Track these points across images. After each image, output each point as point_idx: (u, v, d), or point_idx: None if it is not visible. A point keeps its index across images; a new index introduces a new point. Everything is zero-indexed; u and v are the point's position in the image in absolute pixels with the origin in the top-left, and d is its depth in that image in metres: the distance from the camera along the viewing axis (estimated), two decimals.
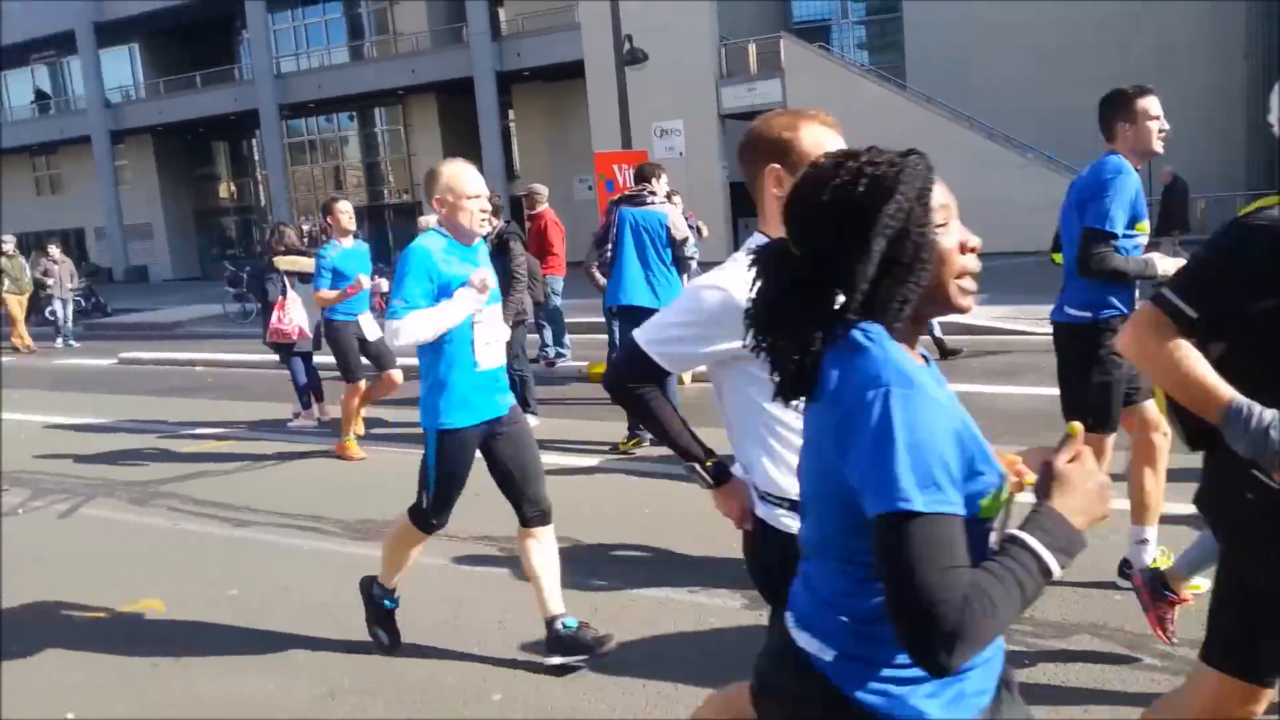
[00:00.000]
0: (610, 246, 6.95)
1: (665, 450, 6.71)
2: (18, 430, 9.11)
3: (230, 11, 36.25)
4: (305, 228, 17.00)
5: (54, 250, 17.86)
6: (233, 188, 42.43)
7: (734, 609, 4.10)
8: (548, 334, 10.79)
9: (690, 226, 9.29)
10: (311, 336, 8.55)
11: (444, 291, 3.54)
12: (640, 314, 7.02)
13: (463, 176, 3.58)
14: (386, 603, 3.89)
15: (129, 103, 38.98)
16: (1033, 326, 11.25)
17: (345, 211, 7.36)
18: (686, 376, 9.33)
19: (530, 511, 3.71)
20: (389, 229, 37.59)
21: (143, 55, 38.89)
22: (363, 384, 7.50)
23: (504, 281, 7.71)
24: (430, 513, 3.69)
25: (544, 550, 3.70)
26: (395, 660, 3.84)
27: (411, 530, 3.76)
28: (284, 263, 8.46)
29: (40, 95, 42.60)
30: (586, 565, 4.72)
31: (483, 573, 4.76)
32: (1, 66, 41.79)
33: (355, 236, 7.49)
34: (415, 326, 3.48)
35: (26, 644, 4.18)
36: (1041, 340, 10.77)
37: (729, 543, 4.86)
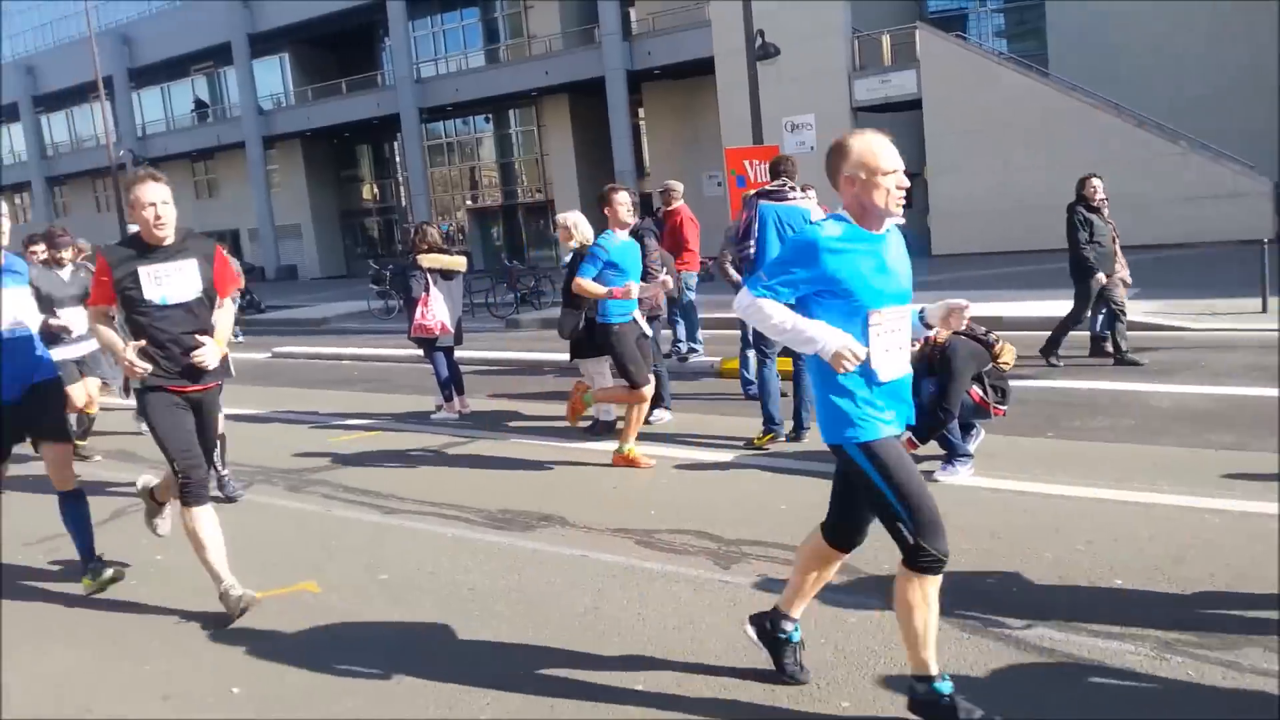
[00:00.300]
0: (752, 242, 6.81)
1: (801, 445, 6.66)
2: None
3: (373, 20, 37.70)
4: (445, 227, 17.48)
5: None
6: (375, 189, 44.06)
7: (875, 609, 4.03)
8: (680, 329, 10.83)
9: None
10: (453, 331, 8.81)
11: (825, 284, 3.05)
12: None
13: (879, 149, 3.06)
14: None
15: (279, 109, 40.96)
16: (1188, 322, 10.68)
17: (624, 203, 6.78)
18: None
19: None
20: (522, 228, 38.40)
21: (292, 64, 40.79)
22: (647, 390, 6.74)
23: (640, 276, 7.79)
24: (924, 539, 2.98)
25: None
26: (539, 647, 3.92)
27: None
28: (427, 260, 8.73)
29: (199, 104, 45.17)
30: (724, 561, 4.73)
31: (621, 564, 4.81)
32: (166, 79, 44.54)
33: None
34: (766, 323, 3.12)
35: (193, 622, 4.45)
36: (1196, 337, 10.25)
37: (867, 540, 4.79)
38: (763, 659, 3.54)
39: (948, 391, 5.60)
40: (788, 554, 4.73)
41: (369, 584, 4.83)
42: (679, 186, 10.48)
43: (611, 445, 7.24)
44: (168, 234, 4.31)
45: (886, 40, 25.49)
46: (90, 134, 47.19)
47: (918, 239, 27.43)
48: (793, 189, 6.94)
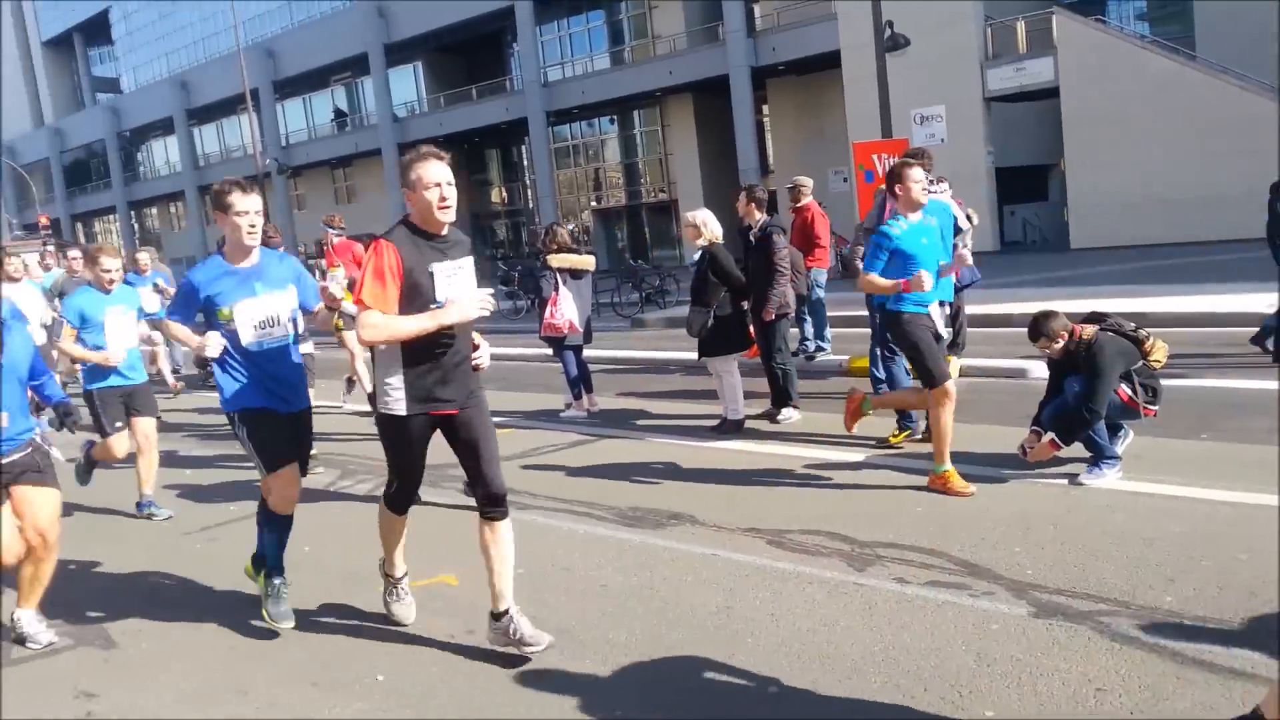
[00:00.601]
0: None
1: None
2: (327, 417, 10.06)
3: (502, 26, 38.55)
4: (570, 228, 17.72)
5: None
6: (503, 192, 45.05)
7: (1018, 615, 3.90)
8: (808, 327, 10.70)
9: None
10: (582, 330, 8.92)
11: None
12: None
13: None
14: None
15: (413, 116, 42.29)
16: None
17: (918, 181, 5.76)
18: (954, 370, 8.96)
19: None
20: (645, 228, 38.62)
21: (425, 72, 42.07)
22: (951, 386, 5.76)
23: (767, 274, 7.74)
24: None
25: None
26: (673, 643, 3.94)
27: None
28: (557, 260, 8.86)
29: (338, 113, 47.04)
30: (858, 564, 4.65)
31: (752, 564, 4.78)
32: (307, 90, 46.54)
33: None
34: None
35: (339, 614, 4.62)
36: None
37: (1008, 544, 4.66)
38: (902, 667, 3.46)
39: (1094, 390, 5.37)
40: (925, 557, 4.63)
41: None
42: (808, 182, 10.36)
43: (740, 445, 7.22)
44: (451, 218, 3.79)
45: (1021, 26, 24.64)
46: (238, 144, 49.72)
47: (1054, 232, 26.48)
48: (932, 182, 6.79)
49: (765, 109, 34.14)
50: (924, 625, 3.89)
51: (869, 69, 16.73)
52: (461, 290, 3.76)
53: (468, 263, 3.87)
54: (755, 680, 3.57)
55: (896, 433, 6.85)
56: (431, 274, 3.70)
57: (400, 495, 4.10)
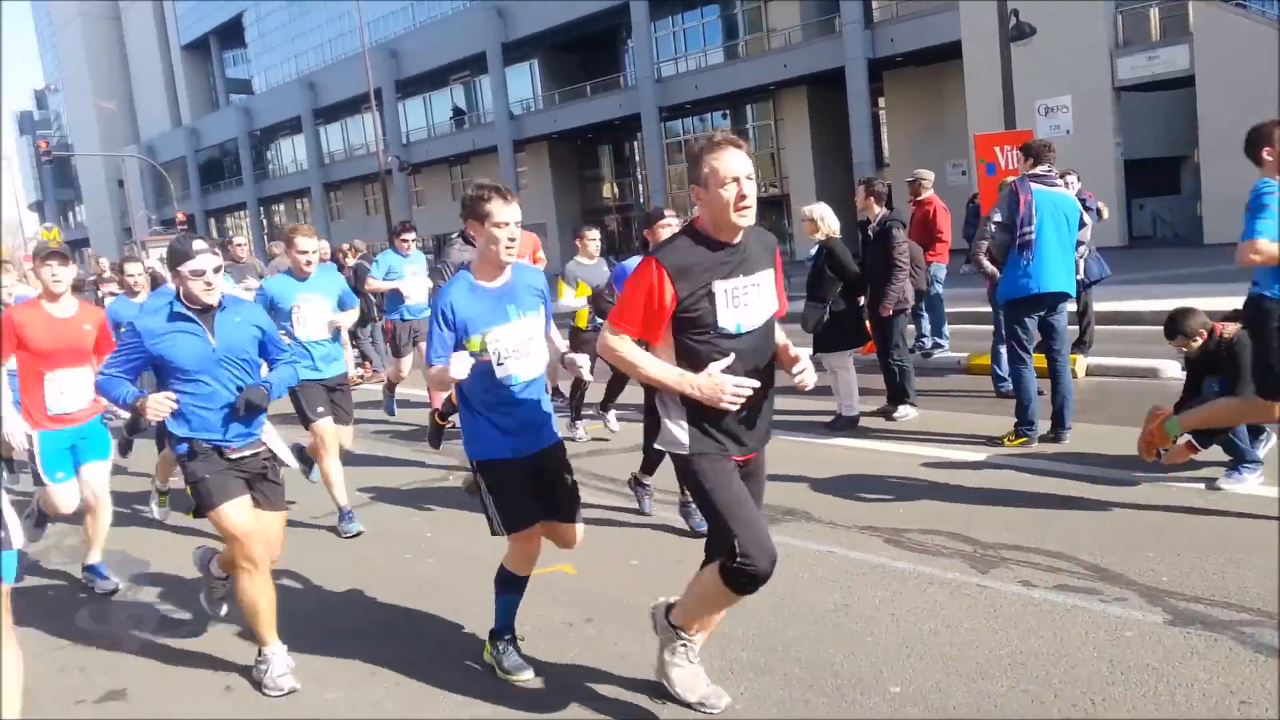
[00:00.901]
0: (1031, 228, 6.39)
1: (1060, 446, 6.28)
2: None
3: (617, 23, 38.79)
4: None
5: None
6: (615, 188, 45.37)
7: (1153, 623, 3.75)
8: (925, 323, 10.47)
9: (1089, 208, 8.62)
10: None
11: None
12: (1060, 299, 6.57)
13: None
14: None
15: (528, 114, 42.95)
16: None
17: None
18: (1080, 369, 8.67)
19: None
20: (756, 223, 38.29)
21: (541, 70, 42.67)
22: None
23: (885, 269, 7.61)
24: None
25: None
26: (790, 640, 3.92)
27: None
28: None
29: (457, 112, 48.09)
30: (981, 565, 4.54)
31: (870, 562, 4.72)
32: (428, 89, 47.73)
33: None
34: None
35: (457, 602, 4.74)
36: None
37: (1140, 549, 4.47)
38: (1030, 672, 3.37)
39: (1234, 391, 5.11)
40: (1051, 560, 4.50)
41: (620, 568, 4.99)
42: (929, 175, 10.13)
43: (854, 442, 7.12)
44: (750, 221, 3.09)
45: (1155, 13, 23.57)
46: (361, 142, 51.33)
47: (1187, 227, 25.26)
48: (1059, 175, 6.58)
49: (881, 101, 33.52)
50: (1052, 630, 3.78)
51: (991, 59, 16.23)
52: (753, 313, 3.13)
53: (765, 277, 3.18)
54: (876, 680, 3.52)
55: (1012, 436, 6.65)
56: (712, 294, 3.05)
57: (749, 559, 3.04)
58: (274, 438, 4.20)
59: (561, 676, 3.81)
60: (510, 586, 3.85)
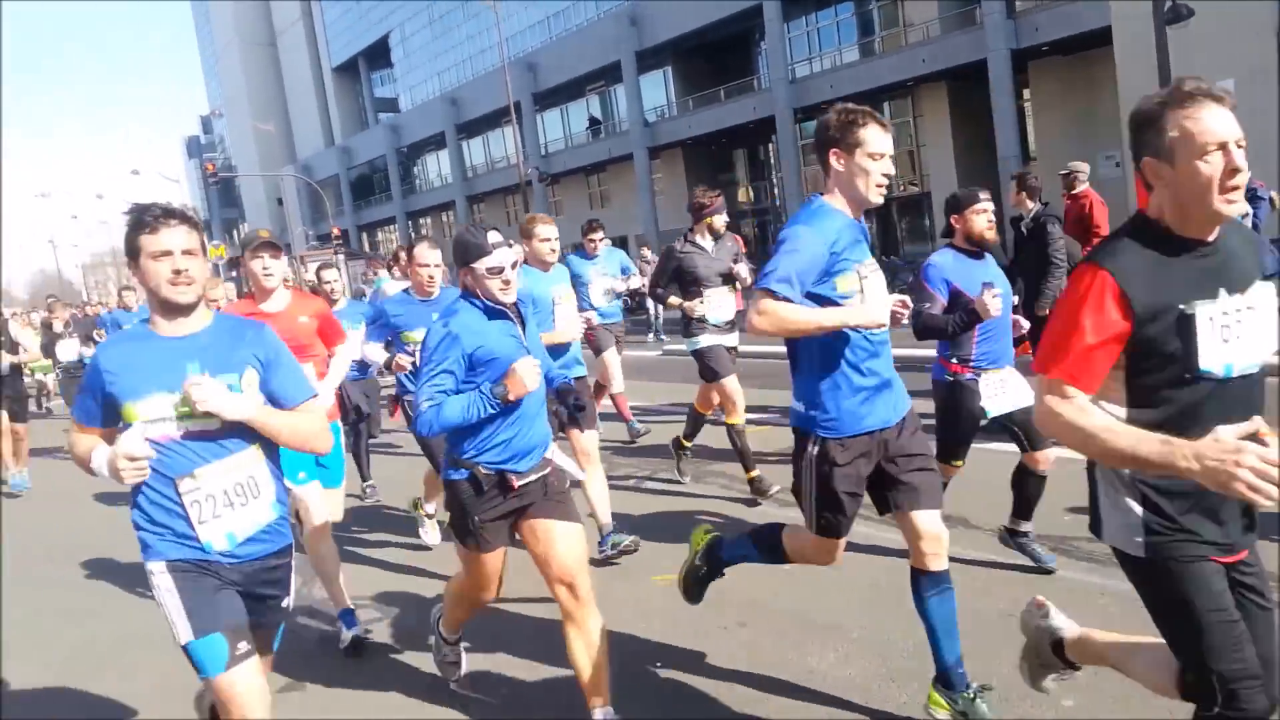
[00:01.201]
0: None
1: None
2: None
3: (749, 26, 38.69)
4: None
5: (646, 252, 20.22)
6: (750, 191, 45.19)
7: None
8: None
9: (1259, 197, 8.14)
10: None
11: None
12: None
13: None
14: None
15: (663, 120, 43.28)
16: None
17: None
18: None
19: None
20: (896, 223, 37.59)
21: (674, 76, 42.92)
22: None
23: (1042, 266, 7.35)
24: None
25: None
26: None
27: None
28: None
29: (593, 121, 48.90)
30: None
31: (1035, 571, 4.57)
32: (564, 100, 48.68)
33: None
34: None
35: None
36: None
37: None
38: None
39: None
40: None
41: (770, 575, 4.97)
42: (1084, 167, 9.71)
43: (1012, 446, 6.87)
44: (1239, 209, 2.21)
45: None
46: (502, 155, 52.81)
47: None
48: None
49: (1026, 93, 32.34)
50: None
51: (1145, 44, 15.54)
52: (1245, 348, 2.23)
53: (1264, 293, 2.26)
54: (1051, 694, 3.41)
55: None
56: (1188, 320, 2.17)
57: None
58: (559, 454, 3.67)
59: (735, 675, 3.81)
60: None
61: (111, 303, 33.81)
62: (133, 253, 2.73)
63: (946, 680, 3.31)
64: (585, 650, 3.32)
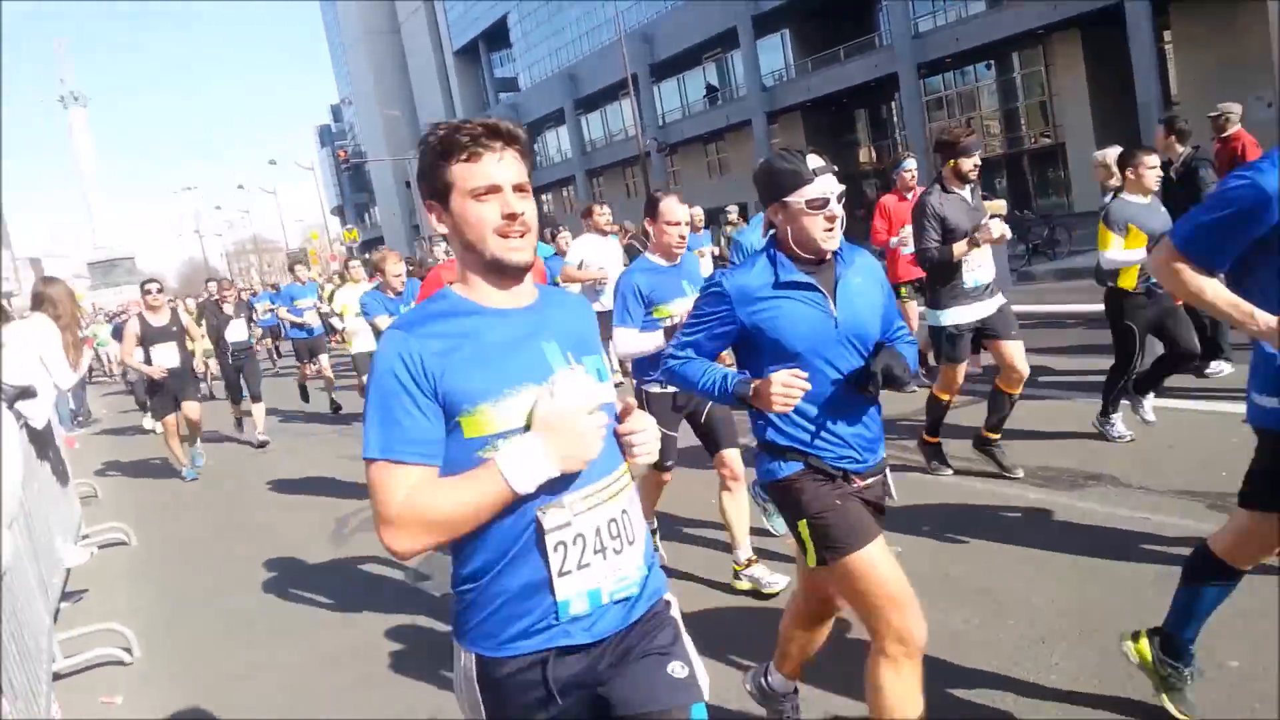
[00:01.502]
0: None
1: None
2: None
3: None
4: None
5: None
6: (872, 151, 44.16)
7: None
8: None
9: None
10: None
11: None
12: None
13: None
14: None
15: (780, 84, 42.61)
16: None
17: None
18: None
19: None
20: (1028, 176, 36.13)
21: (792, 39, 42.14)
22: None
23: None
24: None
25: None
26: (1107, 611, 3.72)
27: None
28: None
29: (710, 89, 48.52)
30: None
31: (1195, 530, 4.38)
32: (681, 70, 48.47)
33: None
34: None
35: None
36: None
37: None
38: None
39: None
40: None
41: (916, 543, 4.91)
42: (1236, 109, 9.11)
43: (1160, 401, 6.58)
44: None
45: None
46: (620, 128, 52.97)
47: None
48: None
49: (1167, 35, 30.51)
50: None
51: None
52: None
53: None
54: (1206, 662, 3.27)
55: None
56: None
57: None
58: None
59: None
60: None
61: (257, 286, 35.48)
62: (437, 191, 1.86)
63: (1171, 644, 2.96)
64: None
